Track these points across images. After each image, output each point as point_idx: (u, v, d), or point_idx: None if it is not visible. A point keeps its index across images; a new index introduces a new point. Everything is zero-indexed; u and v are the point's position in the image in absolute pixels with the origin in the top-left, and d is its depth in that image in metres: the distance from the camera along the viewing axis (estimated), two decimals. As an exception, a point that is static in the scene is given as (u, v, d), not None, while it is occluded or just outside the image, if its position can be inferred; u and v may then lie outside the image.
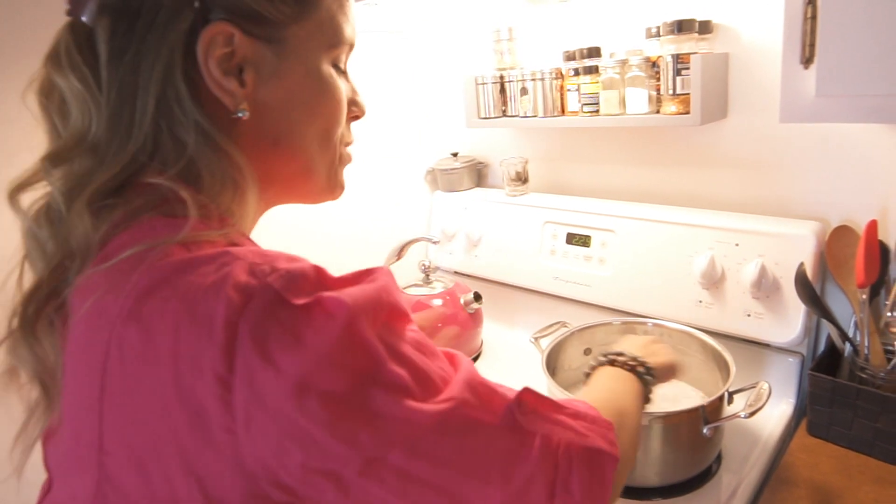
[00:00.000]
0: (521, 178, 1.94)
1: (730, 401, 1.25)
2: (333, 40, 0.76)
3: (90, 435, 0.58)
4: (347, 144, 0.85)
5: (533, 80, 1.71)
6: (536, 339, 1.49)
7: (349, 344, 0.57)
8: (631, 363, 1.00)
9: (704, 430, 1.18)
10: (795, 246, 1.37)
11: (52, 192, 0.66)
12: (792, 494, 1.16)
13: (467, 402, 0.63)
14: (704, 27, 1.43)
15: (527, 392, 0.70)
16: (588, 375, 1.03)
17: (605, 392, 0.95)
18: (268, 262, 0.58)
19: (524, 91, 1.75)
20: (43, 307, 0.65)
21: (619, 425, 0.78)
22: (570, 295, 1.79)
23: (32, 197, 0.68)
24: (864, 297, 1.26)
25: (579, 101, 1.62)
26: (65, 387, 0.62)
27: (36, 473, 0.71)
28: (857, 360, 1.27)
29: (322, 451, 0.55)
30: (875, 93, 0.89)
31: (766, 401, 1.18)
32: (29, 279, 0.67)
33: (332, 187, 0.83)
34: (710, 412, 1.20)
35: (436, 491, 0.60)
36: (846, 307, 1.34)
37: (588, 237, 1.74)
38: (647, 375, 0.99)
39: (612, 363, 1.02)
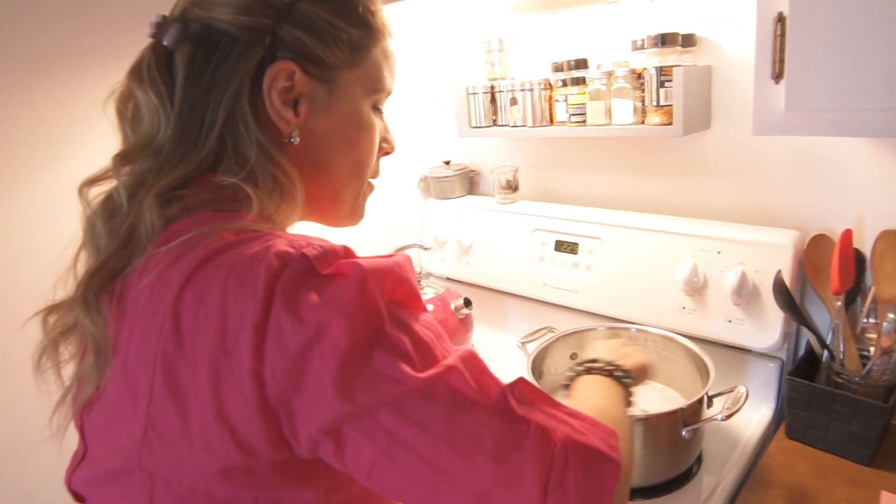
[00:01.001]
0: (512, 187, 1.97)
1: (709, 404, 1.28)
2: (376, 87, 0.87)
3: (144, 388, 0.66)
4: (375, 176, 0.95)
5: (522, 90, 1.74)
6: (523, 343, 1.52)
7: (360, 302, 0.64)
8: (608, 369, 1.00)
9: (683, 433, 1.21)
10: (775, 254, 1.40)
11: (117, 187, 0.76)
12: (768, 495, 1.19)
13: (457, 372, 0.66)
14: (688, 40, 1.47)
15: (523, 382, 0.71)
16: (567, 387, 1.02)
17: (594, 401, 0.93)
18: (305, 239, 0.68)
19: (514, 101, 1.78)
20: (106, 284, 0.73)
21: (619, 435, 0.75)
22: (558, 301, 1.82)
23: (93, 192, 0.79)
24: (840, 303, 1.29)
25: (567, 111, 1.66)
26: (121, 351, 0.70)
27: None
28: (834, 365, 1.30)
29: (323, 397, 0.62)
30: (840, 107, 0.93)
31: (743, 404, 1.21)
32: (83, 260, 0.77)
33: (354, 214, 0.94)
34: (689, 415, 1.23)
35: (423, 462, 0.63)
36: (825, 314, 1.38)
37: (576, 244, 1.77)
38: (625, 379, 0.99)
39: (588, 371, 1.01)
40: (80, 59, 1.34)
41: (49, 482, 0.84)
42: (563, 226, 1.81)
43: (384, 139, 0.94)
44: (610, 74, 1.55)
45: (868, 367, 1.24)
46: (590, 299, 1.74)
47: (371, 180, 0.96)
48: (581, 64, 1.64)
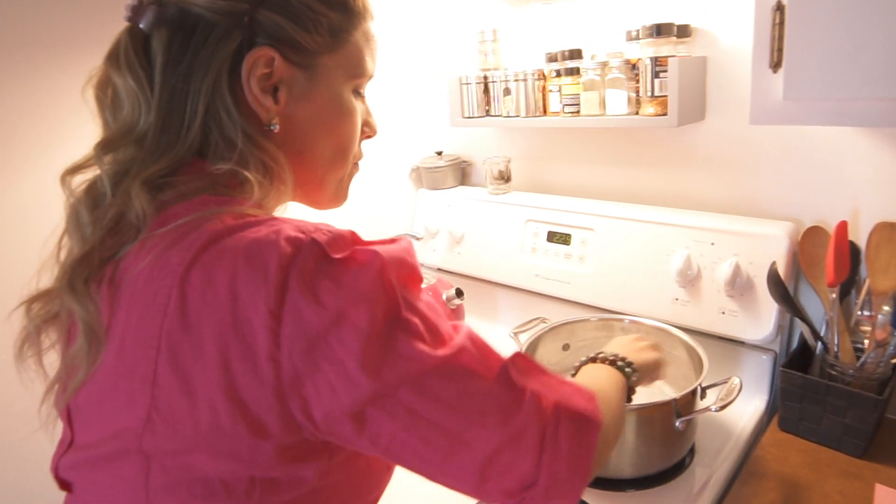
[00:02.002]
0: (504, 177, 1.97)
1: (702, 395, 1.28)
2: (357, 71, 0.87)
3: (145, 370, 0.66)
4: (358, 159, 0.96)
5: (516, 80, 1.73)
6: (516, 334, 1.52)
7: (380, 288, 0.66)
8: (611, 358, 1.03)
9: (677, 424, 1.21)
10: (769, 246, 1.40)
11: (101, 175, 0.75)
12: (761, 487, 1.19)
13: (467, 350, 0.71)
14: (683, 31, 1.46)
15: (520, 355, 0.76)
16: (573, 376, 1.06)
17: (587, 380, 0.98)
18: (312, 225, 0.69)
19: (507, 91, 1.77)
20: (95, 270, 0.72)
21: (601, 400, 0.82)
22: (551, 292, 1.81)
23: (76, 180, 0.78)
24: (834, 296, 1.29)
25: (560, 101, 1.65)
26: (115, 335, 0.69)
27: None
28: (828, 357, 1.30)
29: (349, 380, 0.64)
30: (839, 97, 0.92)
31: (737, 395, 1.20)
32: (66, 249, 0.76)
33: (338, 197, 0.95)
34: (683, 406, 1.22)
35: (439, 430, 0.67)
36: (819, 306, 1.37)
37: (568, 235, 1.77)
38: (627, 369, 1.02)
39: (593, 360, 1.05)
40: (67, 46, 1.33)
41: (40, 472, 0.83)
42: (555, 216, 1.80)
43: (366, 123, 0.94)
44: (604, 65, 1.54)
45: (862, 359, 1.24)
46: (582, 290, 1.73)
47: (355, 164, 0.96)
48: (575, 54, 1.63)
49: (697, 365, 1.32)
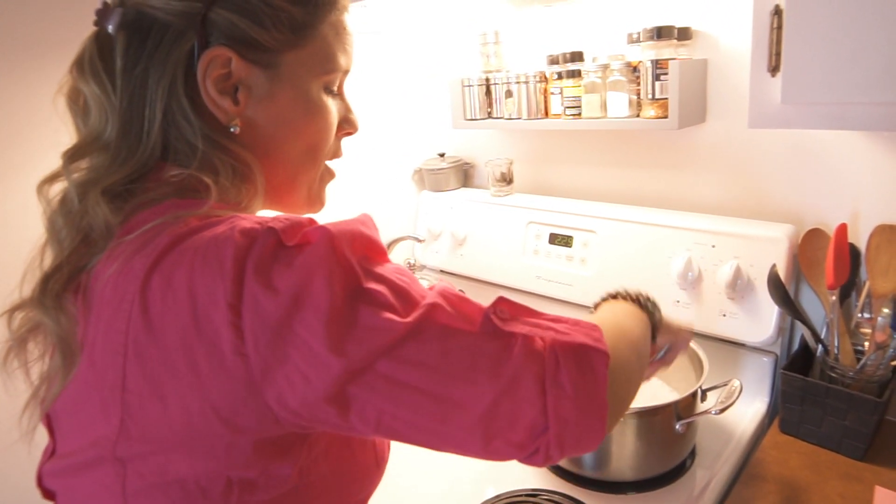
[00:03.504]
0: (506, 179, 1.97)
1: (703, 398, 1.28)
2: (327, 67, 0.82)
3: (114, 377, 0.65)
4: (335, 157, 0.91)
5: (518, 82, 1.74)
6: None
7: (333, 263, 0.63)
8: (634, 295, 0.99)
9: (677, 426, 1.21)
10: (769, 248, 1.40)
11: (68, 185, 0.73)
12: (761, 489, 1.19)
13: (439, 308, 0.67)
14: (683, 34, 1.46)
15: (503, 300, 0.72)
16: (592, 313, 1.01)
17: (604, 314, 0.94)
18: (271, 217, 0.67)
19: (509, 93, 1.78)
20: (67, 283, 0.71)
21: (615, 333, 0.79)
22: (552, 294, 1.81)
23: (54, 189, 0.76)
24: (835, 298, 1.29)
25: (562, 104, 1.65)
26: (87, 345, 0.69)
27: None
28: (828, 359, 1.30)
29: (318, 362, 0.61)
30: (837, 101, 0.92)
31: (737, 398, 1.21)
32: (49, 258, 0.75)
33: (312, 202, 0.90)
34: (683, 408, 1.23)
35: (427, 396, 0.64)
36: (819, 308, 1.38)
37: (570, 237, 1.77)
38: (649, 304, 0.99)
39: (614, 297, 1.01)
40: (69, 47, 1.33)
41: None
42: (557, 219, 1.81)
43: (345, 120, 0.90)
44: (605, 67, 1.54)
45: (862, 361, 1.24)
46: (584, 292, 1.73)
47: (330, 167, 0.92)
48: (576, 57, 1.64)
49: (698, 367, 1.33)
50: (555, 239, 1.81)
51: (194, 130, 0.74)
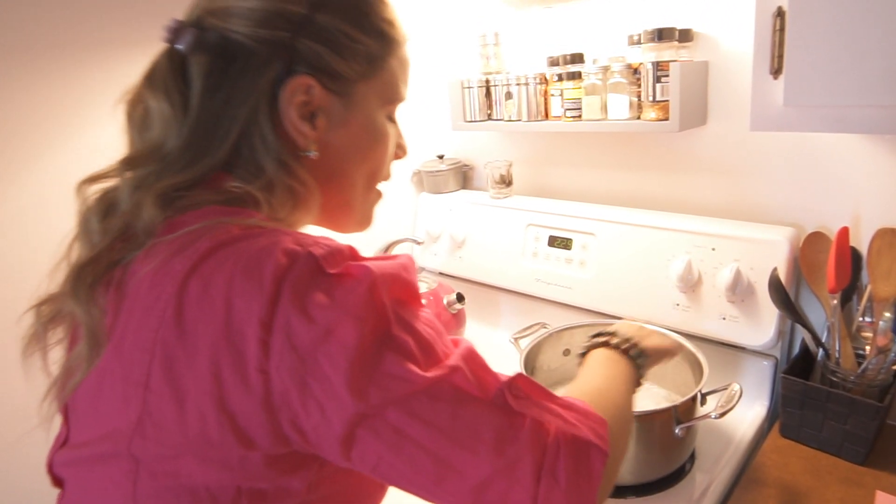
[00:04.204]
0: (506, 181, 1.96)
1: (702, 402, 1.27)
2: (391, 97, 0.89)
3: (139, 374, 0.67)
4: (386, 179, 0.96)
5: (518, 84, 1.73)
6: (516, 339, 1.51)
7: (370, 305, 0.66)
8: (624, 346, 1.02)
9: (677, 430, 1.21)
10: (770, 251, 1.40)
11: (119, 187, 0.76)
12: (762, 494, 1.19)
13: (460, 371, 0.68)
14: (685, 35, 1.46)
15: (520, 377, 0.73)
16: (583, 356, 1.05)
17: (598, 380, 0.95)
18: (311, 237, 0.69)
19: (509, 95, 1.77)
20: (101, 276, 0.73)
21: (612, 418, 0.79)
22: (552, 297, 1.81)
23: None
24: (836, 302, 1.28)
25: (562, 105, 1.64)
26: (115, 337, 0.70)
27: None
28: (829, 363, 1.29)
29: (336, 399, 0.63)
30: (839, 104, 0.92)
31: (737, 402, 1.20)
32: (75, 254, 0.77)
33: (363, 221, 0.95)
34: (683, 412, 1.22)
35: (428, 454, 0.65)
36: (820, 312, 1.37)
37: (569, 240, 1.76)
38: (639, 359, 1.02)
39: (605, 344, 1.03)
40: (67, 49, 1.33)
41: (38, 471, 0.83)
42: (556, 221, 1.80)
43: (398, 145, 0.96)
44: (606, 69, 1.54)
45: (863, 366, 1.24)
46: (583, 295, 1.73)
47: (379, 188, 0.96)
48: (577, 58, 1.63)
49: (697, 371, 1.32)
50: (554, 241, 1.80)
51: (268, 151, 0.77)
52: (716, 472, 1.30)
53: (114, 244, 0.74)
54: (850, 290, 1.35)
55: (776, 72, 0.97)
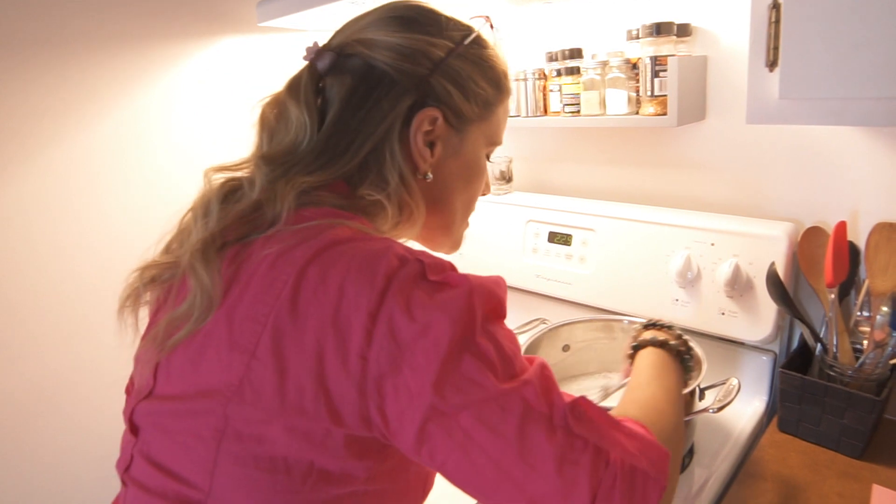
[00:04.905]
0: (506, 177, 1.96)
1: (701, 396, 1.27)
2: (494, 139, 1.01)
3: (248, 342, 0.73)
4: (473, 211, 1.07)
5: (516, 80, 1.73)
6: (516, 335, 1.51)
7: (465, 310, 0.71)
8: (681, 348, 1.08)
9: (675, 423, 1.20)
10: (769, 246, 1.40)
11: (249, 178, 0.85)
12: (759, 488, 1.18)
13: (531, 386, 0.72)
14: (683, 30, 1.46)
15: (584, 400, 0.76)
16: (635, 349, 1.11)
17: (659, 393, 0.96)
18: (419, 250, 0.78)
19: (508, 91, 1.77)
20: (223, 248, 0.82)
21: (671, 442, 0.83)
22: (552, 293, 1.81)
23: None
24: (833, 296, 1.28)
25: (561, 101, 1.64)
26: (227, 305, 0.77)
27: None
28: (827, 358, 1.29)
29: (422, 388, 0.68)
30: (835, 96, 0.91)
31: (735, 396, 1.20)
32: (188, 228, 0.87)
33: (455, 245, 1.08)
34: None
35: (491, 462, 0.69)
36: (818, 307, 1.37)
37: (569, 236, 1.76)
38: (690, 363, 1.08)
39: (662, 345, 1.08)
40: (67, 45, 1.33)
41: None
42: (556, 217, 1.80)
43: (485, 183, 1.06)
44: (604, 64, 1.54)
45: (861, 360, 1.24)
46: (583, 291, 1.73)
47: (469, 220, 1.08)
48: (575, 53, 1.63)
49: (696, 365, 1.31)
50: (554, 237, 1.80)
51: (394, 168, 0.87)
52: (714, 467, 1.30)
53: (233, 224, 0.82)
54: (847, 285, 1.35)
55: (772, 64, 0.97)
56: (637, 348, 1.11)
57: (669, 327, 1.14)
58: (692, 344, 1.12)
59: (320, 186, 0.84)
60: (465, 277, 0.74)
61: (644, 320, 1.20)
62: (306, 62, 0.91)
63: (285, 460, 0.72)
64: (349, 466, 0.74)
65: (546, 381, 0.75)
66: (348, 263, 0.73)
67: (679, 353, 1.07)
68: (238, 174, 0.89)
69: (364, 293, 0.70)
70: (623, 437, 0.75)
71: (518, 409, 0.70)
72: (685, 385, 1.04)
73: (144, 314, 0.91)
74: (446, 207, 0.99)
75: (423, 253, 0.76)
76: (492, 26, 1.00)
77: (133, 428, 0.85)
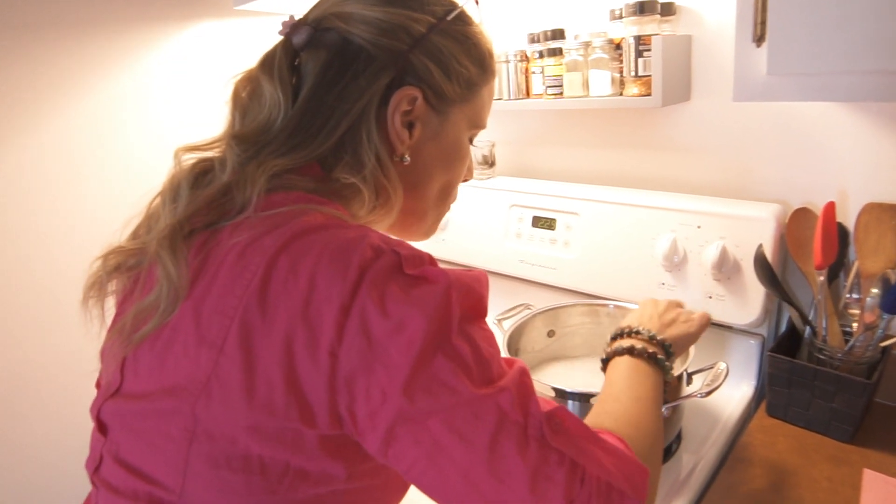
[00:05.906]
0: (488, 162, 1.94)
1: (688, 381, 1.26)
2: (477, 122, 0.97)
3: (216, 336, 0.70)
4: (454, 200, 1.04)
5: (498, 62, 1.69)
6: (499, 321, 1.49)
7: (441, 309, 0.68)
8: (650, 351, 1.01)
9: (662, 410, 1.18)
10: (756, 228, 1.38)
11: (220, 159, 0.82)
12: (748, 473, 1.17)
13: (507, 393, 0.69)
14: (667, 9, 1.43)
15: (563, 411, 0.73)
16: (606, 362, 1.04)
17: (629, 402, 0.92)
18: (396, 239, 0.74)
19: (490, 73, 1.74)
20: (190, 236, 0.77)
21: (650, 455, 0.81)
22: (536, 278, 1.79)
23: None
24: (822, 278, 1.26)
25: (543, 83, 1.61)
26: (194, 297, 0.73)
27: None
28: (816, 341, 1.27)
29: (392, 389, 0.65)
30: (822, 71, 0.89)
31: (723, 381, 1.18)
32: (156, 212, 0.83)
33: (429, 231, 1.03)
34: (668, 392, 1.19)
35: (459, 471, 0.67)
36: (807, 289, 1.35)
37: (553, 220, 1.74)
38: (667, 363, 1.01)
39: (630, 352, 1.01)
40: (42, 29, 1.30)
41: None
42: (540, 201, 1.77)
43: (468, 168, 1.03)
44: (587, 45, 1.51)
45: (851, 343, 1.22)
46: (568, 276, 1.70)
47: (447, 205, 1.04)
48: (558, 34, 1.60)
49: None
50: (538, 222, 1.78)
51: (370, 149, 0.83)
52: (702, 453, 1.28)
53: (202, 209, 0.78)
54: (836, 267, 1.33)
55: (759, 39, 0.94)
56: (606, 361, 1.04)
57: (637, 332, 1.06)
58: (675, 332, 1.09)
59: (292, 170, 0.80)
60: (444, 272, 0.71)
61: (629, 304, 1.18)
62: (281, 37, 0.87)
63: (260, 460, 0.69)
64: (327, 466, 0.71)
65: (524, 388, 0.72)
66: (320, 253, 0.69)
67: (649, 355, 1.00)
68: (209, 154, 0.85)
69: (336, 286, 0.67)
70: (601, 453, 0.73)
71: (492, 417, 0.67)
72: (667, 384, 0.99)
73: (111, 305, 0.87)
74: (422, 192, 0.94)
75: (400, 243, 0.73)
76: (477, 2, 0.95)
77: (101, 426, 0.81)
